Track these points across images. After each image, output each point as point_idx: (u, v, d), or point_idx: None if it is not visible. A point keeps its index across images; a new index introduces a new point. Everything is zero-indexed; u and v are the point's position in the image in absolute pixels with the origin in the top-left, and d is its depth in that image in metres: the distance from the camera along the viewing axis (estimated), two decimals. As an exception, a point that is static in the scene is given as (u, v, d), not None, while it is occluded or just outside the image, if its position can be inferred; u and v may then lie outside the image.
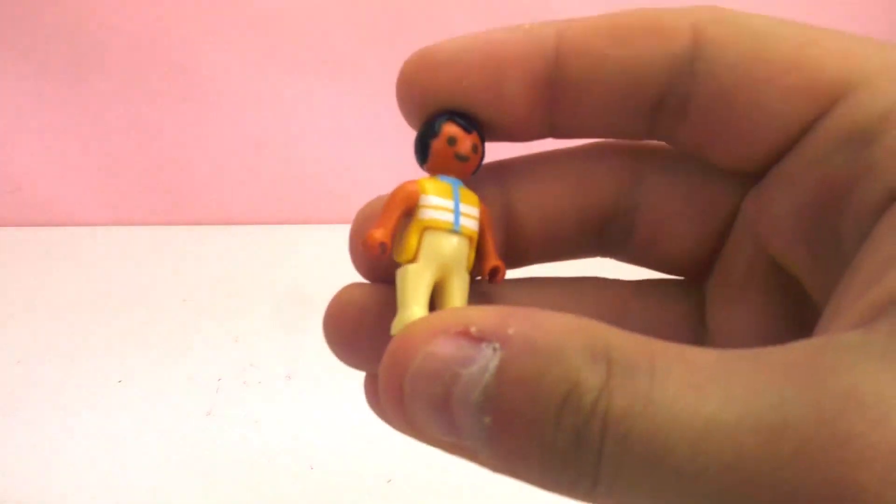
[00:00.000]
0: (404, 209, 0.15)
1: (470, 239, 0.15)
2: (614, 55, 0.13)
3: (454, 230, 0.14)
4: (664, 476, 0.10)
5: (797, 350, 0.11)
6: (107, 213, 0.68)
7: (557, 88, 0.14)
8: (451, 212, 0.14)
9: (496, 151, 0.16)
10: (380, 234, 0.14)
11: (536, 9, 0.59)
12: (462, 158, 0.15)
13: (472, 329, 0.11)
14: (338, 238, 0.73)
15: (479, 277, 0.16)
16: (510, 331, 0.11)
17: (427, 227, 0.14)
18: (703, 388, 0.10)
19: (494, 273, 0.15)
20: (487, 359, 0.11)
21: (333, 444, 0.42)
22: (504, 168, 0.17)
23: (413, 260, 0.14)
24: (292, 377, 0.48)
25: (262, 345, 0.51)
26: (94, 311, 0.55)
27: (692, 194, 0.16)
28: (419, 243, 0.14)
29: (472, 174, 0.16)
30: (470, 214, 0.15)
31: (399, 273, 0.14)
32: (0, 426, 0.44)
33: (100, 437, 0.43)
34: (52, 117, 0.63)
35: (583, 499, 0.11)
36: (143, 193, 0.67)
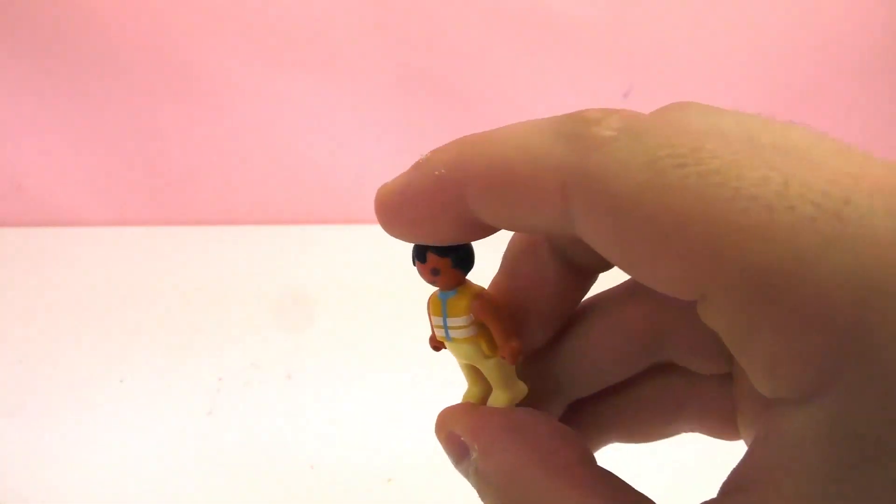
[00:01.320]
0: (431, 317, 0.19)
1: (468, 340, 0.18)
2: (503, 213, 0.15)
3: (449, 340, 0.18)
4: None
5: None
6: (107, 213, 0.68)
7: (467, 209, 0.15)
8: (441, 328, 0.18)
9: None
10: (432, 339, 0.19)
11: (533, 8, 0.59)
12: (432, 282, 0.18)
13: (462, 438, 0.17)
14: (338, 238, 0.74)
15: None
16: (473, 455, 0.17)
17: (441, 339, 0.19)
18: None
19: (512, 355, 0.17)
20: (472, 462, 0.17)
21: (333, 444, 0.42)
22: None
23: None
24: (292, 377, 0.48)
25: (262, 345, 0.51)
26: (95, 311, 0.55)
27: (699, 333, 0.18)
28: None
29: (466, 273, 0.18)
30: (458, 325, 0.18)
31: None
32: (1, 426, 0.44)
33: (101, 436, 0.43)
34: (53, 118, 0.64)
35: None
36: (143, 193, 0.67)
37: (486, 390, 0.19)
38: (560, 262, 0.18)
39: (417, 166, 0.16)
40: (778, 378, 0.11)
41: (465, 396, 0.19)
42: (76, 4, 0.59)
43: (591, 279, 0.19)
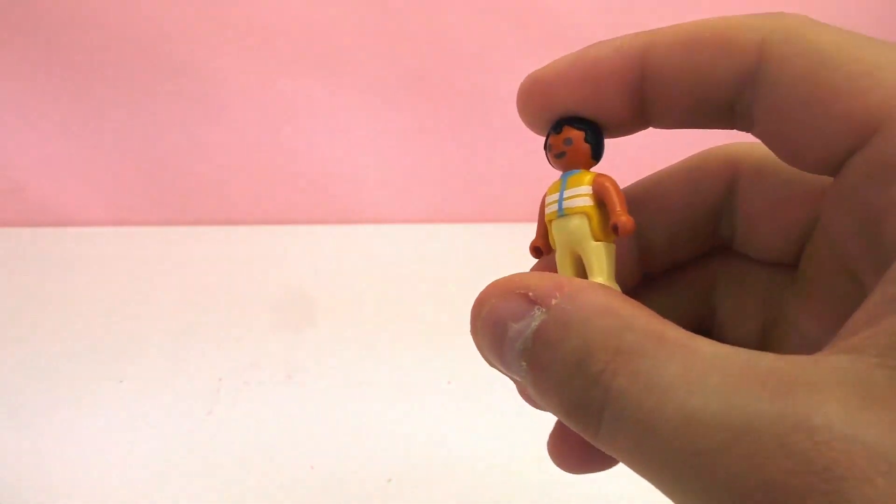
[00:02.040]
0: (542, 213, 0.18)
1: (584, 214, 0.17)
2: (688, 68, 0.16)
3: (560, 215, 0.18)
4: (649, 448, 0.12)
5: (784, 363, 0.12)
6: (107, 213, 0.68)
7: (645, 95, 0.17)
8: (555, 202, 0.18)
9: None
10: (535, 241, 0.18)
11: (533, 8, 0.59)
12: (559, 156, 0.18)
13: (530, 293, 0.15)
14: (338, 238, 0.74)
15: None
16: (553, 301, 0.14)
17: (549, 221, 0.18)
18: (693, 383, 0.12)
19: (616, 228, 0.17)
20: (533, 318, 0.15)
21: (333, 444, 0.42)
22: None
23: (554, 250, 0.18)
24: (292, 377, 0.48)
25: (262, 345, 0.51)
26: (95, 311, 0.55)
27: (778, 197, 0.18)
28: (552, 235, 0.18)
29: (593, 157, 0.18)
30: (576, 195, 0.17)
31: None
32: (1, 426, 0.44)
33: (101, 436, 0.43)
34: (54, 118, 0.64)
35: (590, 440, 0.14)
36: (143, 193, 0.67)
37: None
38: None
39: (589, 46, 0.17)
40: None
41: None
42: (77, 5, 0.59)
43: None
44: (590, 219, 0.17)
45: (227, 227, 0.67)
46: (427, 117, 0.63)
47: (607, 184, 0.17)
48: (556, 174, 0.19)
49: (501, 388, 0.23)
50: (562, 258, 0.18)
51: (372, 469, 0.40)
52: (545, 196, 0.18)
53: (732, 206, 0.19)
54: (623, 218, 0.17)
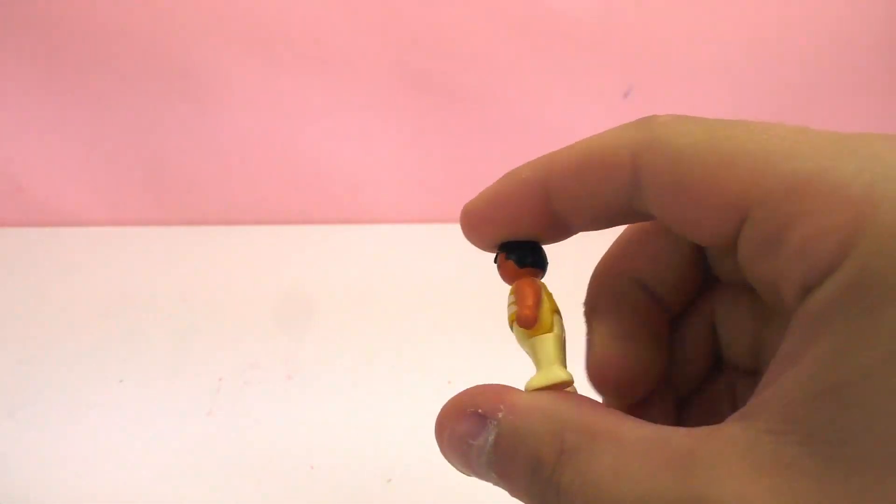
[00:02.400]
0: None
1: (511, 317, 0.20)
2: (581, 190, 0.18)
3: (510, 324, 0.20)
4: None
5: (689, 439, 0.14)
6: (107, 213, 0.68)
7: (556, 213, 0.19)
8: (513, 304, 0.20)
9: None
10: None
11: (534, 8, 0.59)
12: (501, 274, 0.20)
13: (480, 410, 0.17)
14: (338, 238, 0.74)
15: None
16: (500, 415, 0.17)
17: (555, 311, 0.20)
18: (621, 471, 0.14)
19: (522, 317, 0.19)
20: (489, 432, 0.17)
21: (333, 444, 0.42)
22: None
23: (551, 331, 0.19)
24: (292, 377, 0.48)
25: (262, 345, 0.51)
26: (95, 311, 0.55)
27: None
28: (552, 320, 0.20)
29: (520, 269, 0.20)
30: (510, 303, 0.20)
31: (539, 340, 0.19)
32: (1, 426, 0.44)
33: (101, 436, 0.43)
34: (54, 118, 0.64)
35: None
36: (143, 193, 0.67)
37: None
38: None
39: (503, 177, 0.19)
40: (809, 257, 0.13)
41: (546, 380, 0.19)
42: (77, 5, 0.59)
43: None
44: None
45: (227, 227, 0.67)
46: (427, 117, 0.63)
47: (515, 284, 0.20)
48: None
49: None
50: (558, 342, 0.20)
51: (372, 469, 0.40)
52: (539, 285, 0.20)
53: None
54: (523, 310, 0.19)
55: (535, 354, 0.19)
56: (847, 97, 0.63)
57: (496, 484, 0.17)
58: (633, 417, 0.16)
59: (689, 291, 0.21)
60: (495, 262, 0.20)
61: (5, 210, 0.67)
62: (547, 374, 0.18)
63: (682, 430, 0.14)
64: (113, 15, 0.59)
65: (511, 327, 0.19)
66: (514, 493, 0.17)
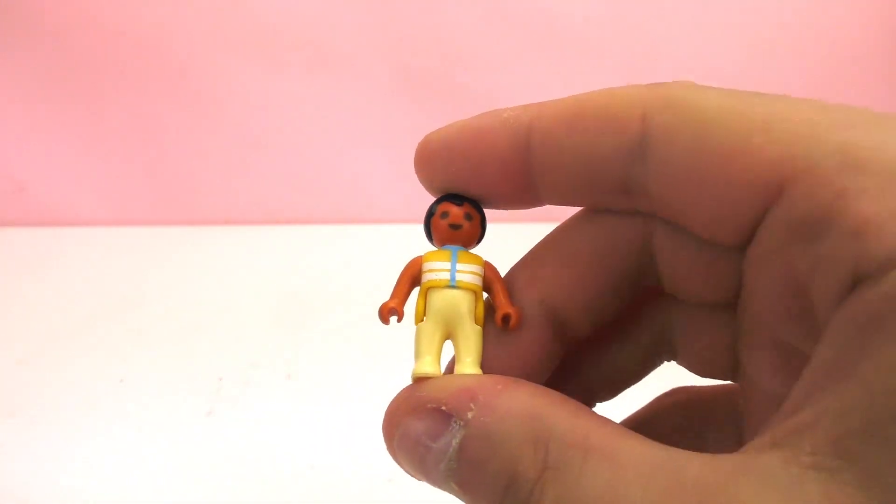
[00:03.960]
0: (411, 278, 0.17)
1: (472, 292, 0.17)
2: (572, 146, 0.15)
3: (451, 285, 0.17)
4: None
5: (709, 470, 0.11)
6: (108, 213, 0.68)
7: (531, 170, 0.16)
8: (447, 271, 0.17)
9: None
10: (392, 303, 0.17)
11: (534, 8, 0.59)
12: (455, 227, 0.17)
13: (443, 406, 0.14)
14: (338, 238, 0.74)
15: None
16: (469, 415, 0.14)
17: (429, 288, 0.17)
18: (619, 498, 0.12)
19: (507, 320, 0.16)
20: (453, 434, 0.14)
21: (333, 444, 0.42)
22: (531, 265, 0.18)
23: (421, 320, 0.17)
24: (292, 377, 0.48)
25: (262, 345, 0.51)
26: (96, 311, 0.55)
27: (696, 256, 0.16)
28: (425, 304, 0.17)
29: (477, 241, 0.18)
30: (469, 271, 0.17)
31: (414, 333, 0.17)
32: (2, 426, 0.44)
33: (101, 436, 0.43)
34: (55, 119, 0.64)
35: None
36: (143, 194, 0.67)
37: (438, 371, 0.17)
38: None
39: (483, 113, 0.16)
40: (867, 241, 0.11)
41: (422, 372, 0.17)
42: (77, 6, 0.59)
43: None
44: (477, 299, 0.17)
45: (227, 227, 0.67)
46: (427, 117, 0.63)
47: (497, 273, 0.17)
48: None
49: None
50: (432, 331, 0.17)
51: (372, 469, 0.40)
52: (419, 261, 0.17)
53: (651, 258, 0.17)
54: (515, 309, 0.17)
55: (474, 341, 0.17)
56: (848, 96, 0.63)
57: (455, 495, 0.14)
58: (631, 432, 0.13)
59: (609, 311, 0.18)
60: (430, 214, 0.17)
61: (6, 210, 0.67)
62: (412, 370, 0.17)
63: (698, 458, 0.12)
64: (114, 16, 0.59)
65: (440, 297, 0.17)
66: None
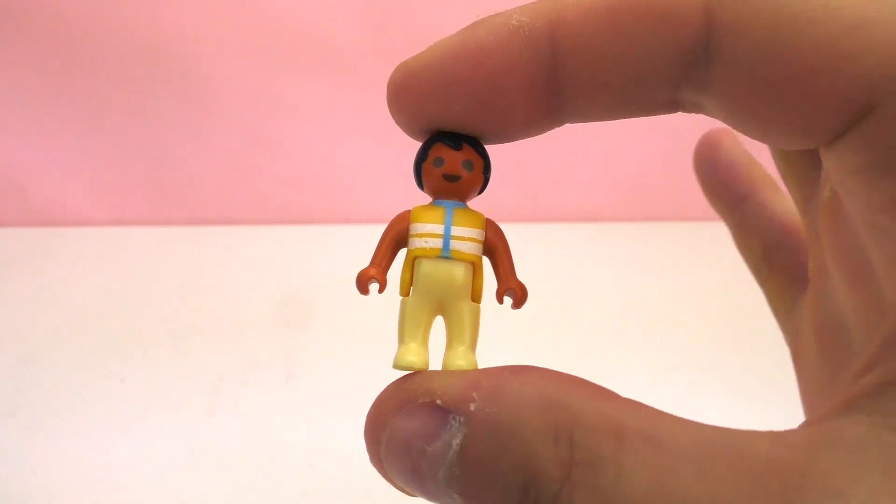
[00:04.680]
0: (395, 240, 0.14)
1: (470, 263, 0.14)
2: (616, 50, 0.12)
3: (443, 256, 0.14)
4: None
5: (782, 450, 0.10)
6: (108, 213, 0.68)
7: (557, 89, 0.12)
8: (439, 237, 0.14)
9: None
10: (372, 271, 0.14)
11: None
12: (452, 178, 0.14)
13: (438, 401, 0.11)
14: (338, 238, 0.74)
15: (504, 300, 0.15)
16: (472, 406, 0.11)
17: (417, 257, 0.14)
18: (672, 495, 0.09)
19: (511, 296, 0.14)
20: (452, 434, 0.11)
21: (333, 444, 0.42)
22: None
23: (407, 293, 0.14)
24: (292, 377, 0.48)
25: (262, 345, 0.51)
26: (96, 311, 0.55)
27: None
28: (412, 274, 0.14)
29: (479, 192, 0.15)
30: (465, 237, 0.14)
31: (399, 306, 0.14)
32: (2, 425, 0.44)
33: (101, 436, 0.43)
34: (55, 118, 0.64)
35: None
36: (144, 194, 0.67)
37: (425, 362, 0.14)
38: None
39: (474, 24, 0.12)
40: None
41: (405, 362, 0.14)
42: (78, 6, 0.59)
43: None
44: (476, 270, 0.14)
45: (227, 227, 0.67)
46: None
47: (502, 236, 0.14)
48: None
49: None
50: (419, 308, 0.14)
51: (372, 469, 0.40)
52: (406, 218, 0.14)
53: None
54: (521, 284, 0.14)
55: (471, 321, 0.14)
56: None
57: None
58: (668, 413, 0.11)
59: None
60: (420, 159, 0.14)
61: (6, 210, 0.67)
62: (394, 357, 0.14)
63: (762, 435, 0.10)
64: (114, 16, 0.59)
65: (431, 268, 0.14)
66: None
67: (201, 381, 0.47)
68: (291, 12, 0.60)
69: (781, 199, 0.18)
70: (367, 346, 0.50)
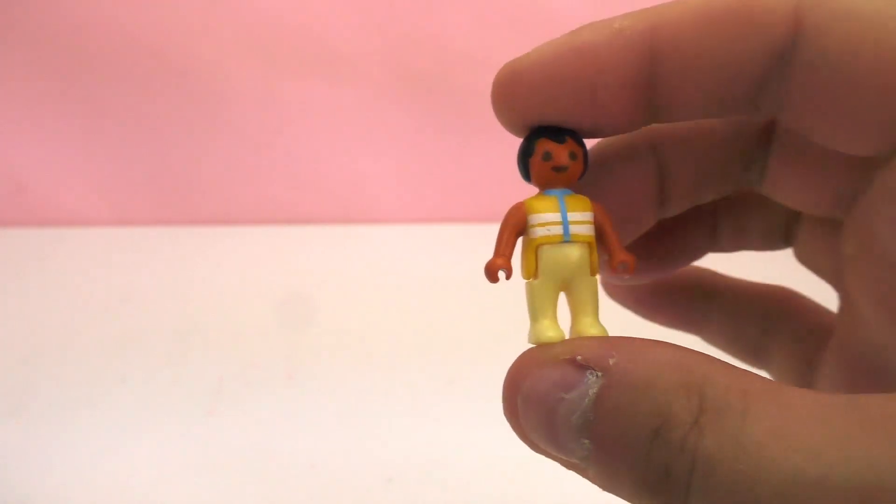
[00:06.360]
0: (517, 231, 0.16)
1: (587, 244, 0.15)
2: (709, 50, 0.13)
3: (565, 241, 0.15)
4: None
5: None
6: (108, 213, 0.68)
7: (654, 87, 0.14)
8: (559, 224, 0.15)
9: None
10: (500, 261, 0.15)
11: (534, 9, 0.59)
12: (560, 170, 0.15)
13: (578, 357, 0.13)
14: (338, 238, 0.74)
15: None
16: (611, 361, 0.12)
17: (540, 245, 0.15)
18: (793, 439, 0.10)
19: (625, 267, 0.15)
20: (588, 385, 0.12)
21: (333, 444, 0.42)
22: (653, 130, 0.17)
23: (535, 276, 0.15)
24: (292, 377, 0.48)
25: (262, 345, 0.51)
26: (96, 311, 0.55)
27: (815, 163, 0.15)
28: (536, 260, 0.15)
29: (580, 178, 0.16)
30: (581, 220, 0.15)
31: (526, 289, 0.16)
32: (3, 426, 0.44)
33: (102, 436, 0.43)
34: (55, 118, 0.64)
35: None
36: (144, 194, 0.67)
37: (562, 335, 0.15)
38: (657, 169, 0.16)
39: (580, 28, 0.14)
40: None
41: (545, 337, 0.15)
42: (77, 6, 0.59)
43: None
44: (591, 249, 0.15)
45: (227, 227, 0.67)
46: (427, 117, 0.63)
47: (607, 215, 0.16)
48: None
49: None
50: (546, 290, 0.15)
51: (372, 469, 0.40)
52: (524, 210, 0.16)
53: (766, 148, 0.16)
54: (632, 256, 0.15)
55: (592, 293, 0.15)
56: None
57: (582, 459, 0.13)
58: (783, 383, 0.12)
59: (702, 196, 0.17)
60: (527, 153, 0.16)
61: (6, 210, 0.67)
62: (531, 333, 0.15)
63: (880, 397, 0.11)
64: (114, 16, 0.59)
65: (553, 253, 0.15)
66: (612, 468, 0.12)
67: (201, 381, 0.47)
68: (293, 14, 0.60)
69: (738, 282, 0.21)
70: (367, 346, 0.50)
